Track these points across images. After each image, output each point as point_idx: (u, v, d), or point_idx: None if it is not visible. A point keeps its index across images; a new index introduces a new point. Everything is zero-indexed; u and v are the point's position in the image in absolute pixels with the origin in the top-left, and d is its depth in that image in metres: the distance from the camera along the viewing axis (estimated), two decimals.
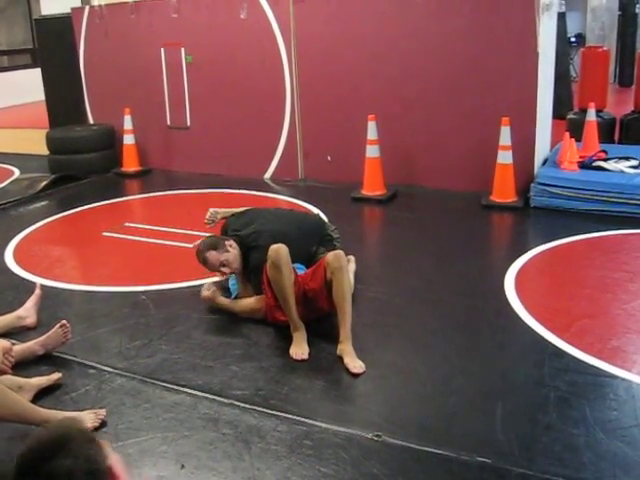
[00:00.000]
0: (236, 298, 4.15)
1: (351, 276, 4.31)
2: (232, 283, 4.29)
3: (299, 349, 3.57)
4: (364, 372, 3.35)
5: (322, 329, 3.74)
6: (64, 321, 3.64)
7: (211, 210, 4.49)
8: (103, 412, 3.05)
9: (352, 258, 4.55)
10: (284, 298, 3.64)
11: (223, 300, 4.13)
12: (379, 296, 4.32)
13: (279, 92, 7.22)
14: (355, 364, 3.40)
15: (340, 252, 3.66)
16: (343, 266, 3.58)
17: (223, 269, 4.05)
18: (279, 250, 3.61)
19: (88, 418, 2.99)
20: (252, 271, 4.07)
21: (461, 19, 6.27)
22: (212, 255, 4.02)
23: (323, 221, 4.40)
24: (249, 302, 4.03)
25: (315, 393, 3.21)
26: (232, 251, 4.04)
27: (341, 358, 3.47)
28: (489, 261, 5.06)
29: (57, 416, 2.92)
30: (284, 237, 3.90)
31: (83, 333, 3.91)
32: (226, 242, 4.07)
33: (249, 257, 4.07)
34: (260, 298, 3.95)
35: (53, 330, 3.61)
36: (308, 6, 6.93)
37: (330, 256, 3.61)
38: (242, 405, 3.11)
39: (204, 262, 4.07)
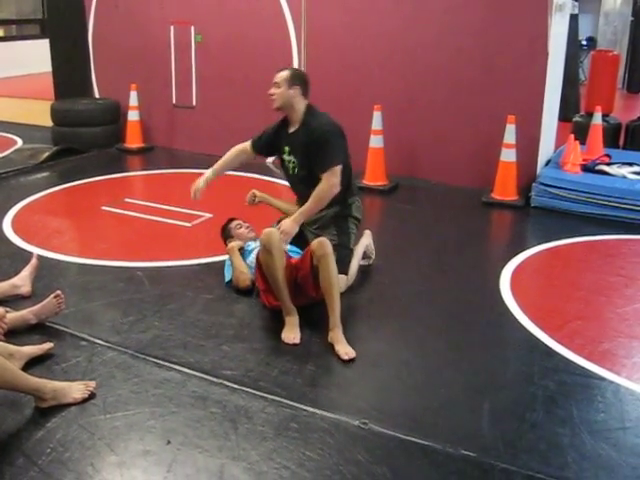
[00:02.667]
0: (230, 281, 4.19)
1: (360, 250, 4.35)
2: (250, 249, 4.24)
3: (291, 333, 3.58)
4: (354, 359, 3.36)
5: (315, 315, 3.74)
6: (59, 292, 3.65)
7: (250, 192, 4.59)
8: (93, 384, 3.05)
9: (367, 232, 4.57)
10: (275, 282, 3.65)
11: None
12: (374, 286, 4.32)
13: None
14: (346, 350, 3.41)
15: (324, 239, 3.66)
16: (328, 253, 3.56)
17: (273, 89, 4.13)
18: (271, 234, 3.63)
19: (78, 389, 3.00)
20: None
21: (473, 15, 6.26)
22: (282, 74, 4.13)
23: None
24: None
25: (304, 377, 3.22)
26: (285, 90, 4.09)
27: (332, 345, 3.48)
28: (486, 258, 5.07)
29: (47, 385, 2.93)
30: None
31: (77, 305, 3.91)
32: (296, 85, 4.11)
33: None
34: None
35: (47, 300, 3.62)
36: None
37: (314, 244, 3.62)
38: (231, 385, 3.11)
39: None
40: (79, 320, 3.75)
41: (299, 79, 4.16)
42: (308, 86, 4.19)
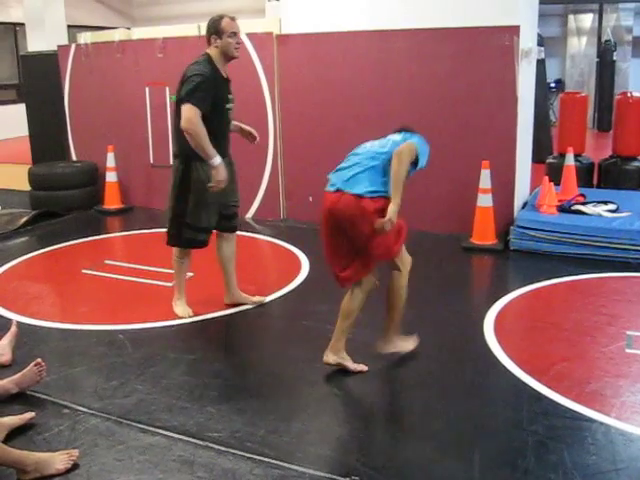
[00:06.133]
0: None
1: None
2: None
3: None
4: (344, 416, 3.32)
5: (294, 371, 3.71)
6: (39, 359, 3.59)
7: None
8: (76, 453, 2.99)
9: None
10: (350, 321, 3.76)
11: None
12: (356, 338, 4.29)
13: (262, 133, 7.20)
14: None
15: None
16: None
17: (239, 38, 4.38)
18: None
19: (60, 459, 2.93)
20: None
21: (443, 64, 6.38)
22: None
23: None
24: None
25: (292, 436, 3.17)
26: None
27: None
28: (469, 304, 5.07)
29: (29, 457, 2.87)
30: None
31: (58, 372, 3.85)
32: None
33: None
34: None
35: (28, 368, 3.56)
36: (292, 48, 7.03)
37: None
38: (218, 447, 3.06)
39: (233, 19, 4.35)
40: (61, 387, 3.69)
41: None
42: None
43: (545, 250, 5.85)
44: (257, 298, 4.79)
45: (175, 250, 4.59)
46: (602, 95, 13.46)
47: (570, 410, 3.34)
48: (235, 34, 4.31)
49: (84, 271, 5.76)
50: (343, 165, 3.70)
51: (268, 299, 4.90)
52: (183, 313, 4.60)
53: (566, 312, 4.66)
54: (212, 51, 4.33)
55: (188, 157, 4.29)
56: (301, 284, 5.30)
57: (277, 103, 7.17)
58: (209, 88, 4.20)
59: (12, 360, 3.94)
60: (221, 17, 4.32)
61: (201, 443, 3.11)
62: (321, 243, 3.73)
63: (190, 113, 4.10)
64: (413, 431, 3.24)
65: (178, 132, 4.27)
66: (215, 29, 4.29)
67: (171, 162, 7.75)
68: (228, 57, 4.36)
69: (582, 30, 14.89)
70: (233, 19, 4.35)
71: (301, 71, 7.05)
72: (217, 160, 4.16)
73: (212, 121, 4.20)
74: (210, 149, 4.14)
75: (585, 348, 4.08)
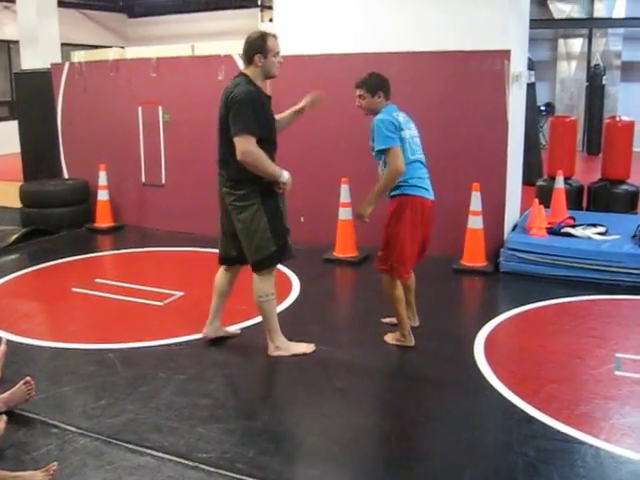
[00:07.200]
0: None
1: None
2: None
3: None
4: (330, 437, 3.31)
5: (287, 393, 3.71)
6: (28, 378, 3.57)
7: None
8: (54, 467, 2.92)
9: None
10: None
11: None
12: (348, 358, 4.30)
13: None
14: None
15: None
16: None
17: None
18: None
19: (39, 478, 2.89)
20: None
21: (434, 87, 6.44)
22: None
23: None
24: None
25: (282, 457, 3.16)
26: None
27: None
28: (459, 325, 5.07)
29: (9, 477, 2.83)
30: None
31: (47, 391, 3.83)
32: None
33: None
34: None
35: (17, 387, 3.54)
36: (285, 68, 7.02)
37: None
38: (207, 468, 3.05)
39: None
40: (50, 406, 3.67)
41: None
42: None
43: (535, 272, 5.88)
44: (232, 330, 4.68)
45: (262, 289, 4.23)
46: (591, 119, 13.61)
47: (560, 432, 3.35)
48: (278, 53, 4.14)
49: (74, 289, 5.74)
50: (425, 173, 4.73)
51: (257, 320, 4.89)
52: (308, 348, 4.33)
53: (556, 334, 4.68)
54: (250, 71, 4.08)
55: (250, 182, 4.12)
56: (292, 305, 5.30)
57: None
58: (257, 109, 4.03)
59: (1, 378, 3.91)
60: (264, 35, 4.08)
61: (191, 464, 3.09)
62: (410, 243, 4.67)
63: (244, 145, 3.92)
64: (403, 453, 3.24)
65: (229, 162, 4.09)
66: (261, 48, 4.03)
67: (163, 181, 7.88)
68: (268, 76, 4.17)
69: (572, 54, 15.06)
70: (275, 37, 4.15)
71: (294, 93, 7.04)
72: (285, 174, 4.11)
73: (267, 143, 4.08)
74: (274, 168, 4.05)
75: (575, 370, 4.09)
